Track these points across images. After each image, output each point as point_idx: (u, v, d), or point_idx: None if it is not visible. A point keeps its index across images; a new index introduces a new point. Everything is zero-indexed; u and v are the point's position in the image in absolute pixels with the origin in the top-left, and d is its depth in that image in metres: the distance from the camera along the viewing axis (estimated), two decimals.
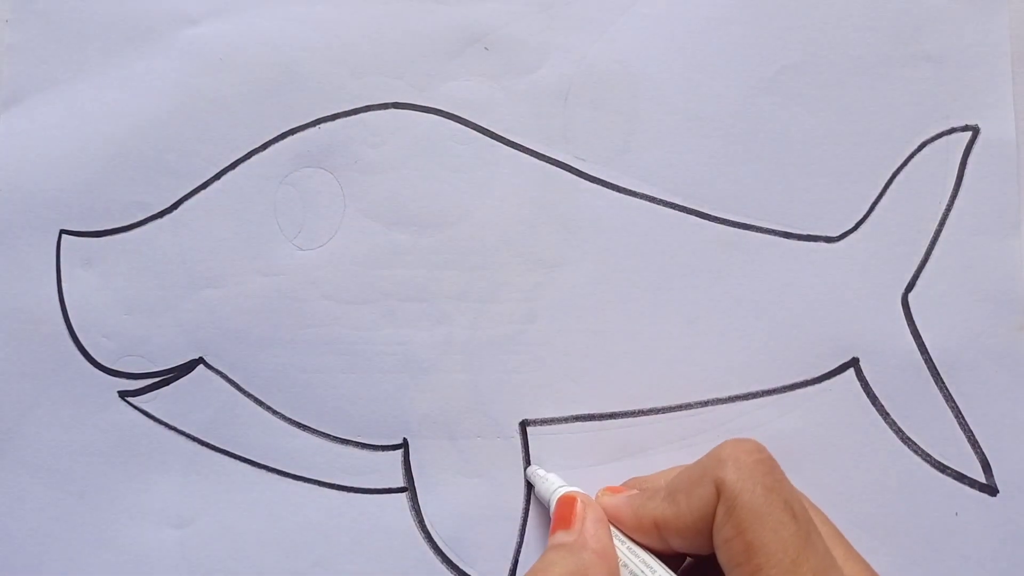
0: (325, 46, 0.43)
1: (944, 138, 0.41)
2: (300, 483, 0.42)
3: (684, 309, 0.41)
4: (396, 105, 0.43)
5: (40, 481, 0.42)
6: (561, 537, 0.36)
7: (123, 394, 0.42)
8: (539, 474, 0.40)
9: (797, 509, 0.31)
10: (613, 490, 0.38)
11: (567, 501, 0.37)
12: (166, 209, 0.43)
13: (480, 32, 0.43)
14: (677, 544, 0.34)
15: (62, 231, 0.44)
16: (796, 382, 0.41)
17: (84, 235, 0.44)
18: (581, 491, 0.38)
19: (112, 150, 0.44)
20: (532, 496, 0.41)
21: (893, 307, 0.41)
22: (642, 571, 0.34)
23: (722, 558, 0.32)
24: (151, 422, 0.42)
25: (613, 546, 0.35)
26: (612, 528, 0.36)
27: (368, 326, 0.42)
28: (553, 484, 0.39)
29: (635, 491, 0.36)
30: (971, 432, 0.40)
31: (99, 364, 0.43)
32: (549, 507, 0.38)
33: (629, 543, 0.35)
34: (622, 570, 0.34)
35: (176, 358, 0.43)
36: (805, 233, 0.41)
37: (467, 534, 0.41)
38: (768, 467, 0.32)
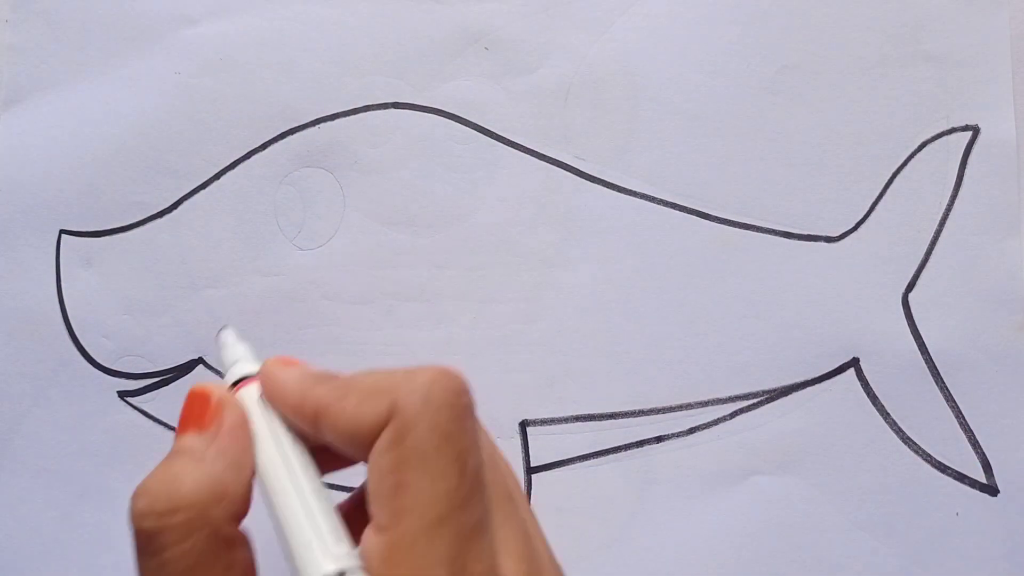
0: (324, 46, 0.43)
1: (944, 138, 0.41)
2: None
3: (684, 309, 0.41)
4: (396, 105, 0.43)
5: (40, 481, 0.42)
6: (191, 441, 0.29)
7: (123, 394, 0.42)
8: (227, 341, 0.33)
9: (472, 466, 0.28)
10: (287, 361, 0.31)
11: (200, 396, 0.30)
12: (166, 209, 0.43)
13: (480, 32, 0.43)
14: (331, 439, 0.29)
15: (62, 231, 0.44)
16: (796, 382, 0.41)
17: (84, 235, 0.44)
18: (250, 371, 0.32)
19: (112, 150, 0.44)
20: (532, 496, 0.41)
21: (894, 307, 0.41)
22: (277, 482, 0.28)
23: (371, 482, 0.28)
24: (151, 422, 0.42)
25: (250, 457, 0.29)
26: (266, 415, 0.30)
27: (368, 326, 0.42)
28: (234, 357, 0.32)
29: (310, 369, 0.31)
30: (971, 432, 0.40)
31: (99, 364, 0.43)
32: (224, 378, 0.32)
33: (278, 436, 0.30)
34: (257, 482, 0.29)
35: (176, 358, 0.43)
36: (805, 233, 0.41)
37: None
38: (458, 413, 0.28)
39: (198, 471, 0.28)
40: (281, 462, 0.29)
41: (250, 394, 0.31)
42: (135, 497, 0.28)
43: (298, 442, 0.30)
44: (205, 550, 0.27)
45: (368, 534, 0.27)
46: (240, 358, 0.32)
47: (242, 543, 0.28)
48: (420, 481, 0.27)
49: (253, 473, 0.29)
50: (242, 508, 0.29)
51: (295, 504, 0.28)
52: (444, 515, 0.27)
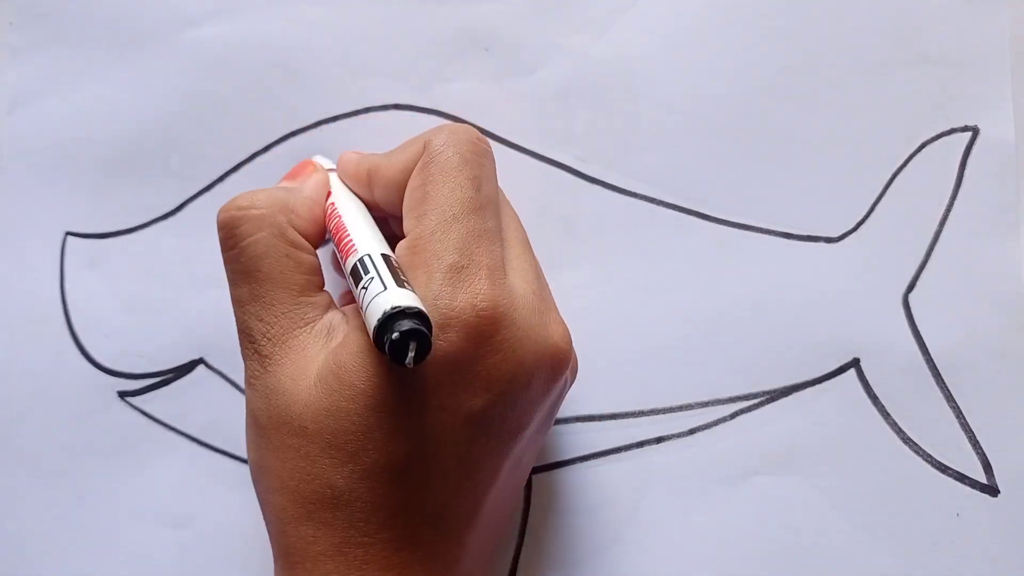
0: (326, 48, 0.44)
1: (944, 138, 0.41)
2: None
3: (684, 309, 0.41)
4: (397, 106, 0.43)
5: (40, 481, 0.42)
6: (281, 183, 0.38)
7: (123, 394, 0.43)
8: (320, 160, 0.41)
9: (486, 190, 0.34)
10: (357, 153, 0.39)
11: (303, 162, 0.39)
12: (170, 211, 0.44)
13: (481, 33, 0.43)
14: (381, 195, 0.37)
15: (67, 233, 0.44)
16: (797, 383, 0.41)
17: (89, 237, 0.44)
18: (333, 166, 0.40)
19: (116, 152, 0.44)
20: (532, 496, 0.40)
21: (894, 307, 0.41)
22: (348, 228, 0.35)
23: (405, 204, 0.34)
24: (151, 422, 0.42)
25: (324, 199, 0.37)
26: (344, 195, 0.38)
27: None
28: (319, 161, 0.41)
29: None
30: (972, 432, 0.40)
31: (99, 364, 0.43)
32: None
33: (351, 203, 0.37)
34: (331, 222, 0.36)
35: (177, 358, 0.43)
36: (805, 233, 0.41)
37: None
38: (476, 148, 0.35)
39: (274, 191, 0.36)
40: (348, 201, 0.37)
41: (332, 175, 0.39)
42: (222, 207, 0.35)
43: (361, 202, 0.38)
44: (274, 243, 0.34)
45: (400, 243, 0.34)
46: (326, 164, 0.40)
47: (309, 251, 0.35)
48: (441, 189, 0.33)
49: (321, 210, 0.37)
50: (305, 227, 0.35)
51: (353, 220, 0.35)
52: (458, 214, 0.33)
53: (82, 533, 0.42)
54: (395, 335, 0.28)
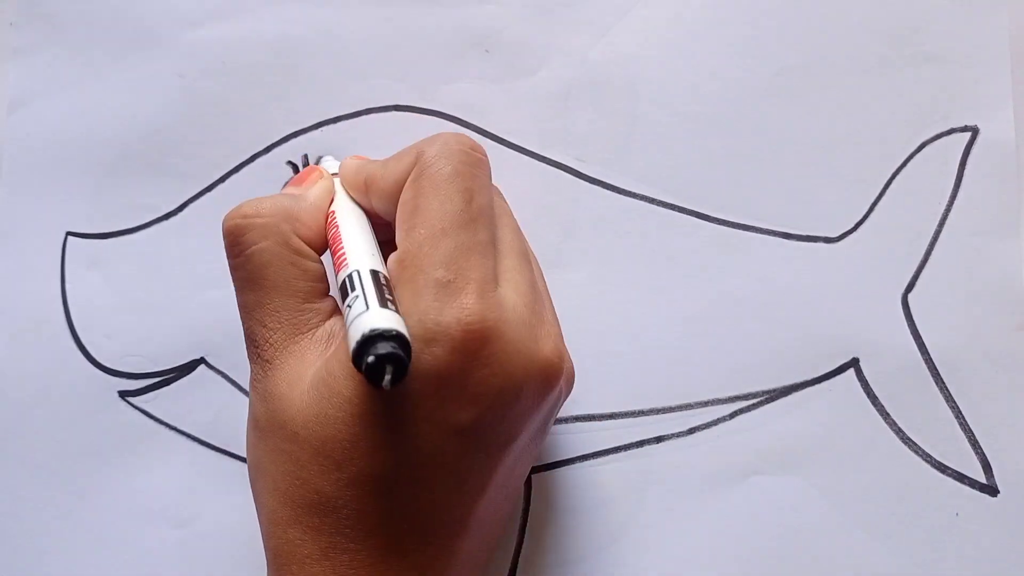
0: (326, 49, 0.44)
1: (944, 138, 0.41)
2: None
3: (684, 309, 0.41)
4: (397, 107, 0.43)
5: (40, 481, 0.43)
6: (288, 190, 0.38)
7: (123, 394, 0.43)
8: (327, 158, 0.42)
9: (479, 202, 0.34)
10: (360, 158, 0.39)
11: (310, 168, 0.40)
12: (171, 212, 0.44)
13: (481, 34, 0.43)
14: (378, 204, 0.37)
15: (68, 233, 0.44)
16: (796, 382, 0.41)
17: (90, 237, 0.44)
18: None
19: (117, 153, 0.44)
20: (532, 496, 0.40)
21: (893, 307, 0.41)
22: (343, 241, 0.35)
23: (397, 217, 0.34)
24: (151, 422, 0.42)
25: (327, 206, 0.37)
26: (345, 204, 0.38)
27: None
28: (331, 164, 0.41)
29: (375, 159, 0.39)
30: (971, 432, 0.40)
31: (100, 364, 0.43)
32: None
33: (350, 213, 0.37)
34: (330, 231, 0.37)
35: (177, 358, 0.43)
36: (805, 233, 0.41)
37: None
38: (469, 158, 0.34)
39: (279, 198, 0.36)
40: (347, 211, 0.37)
41: (337, 180, 0.39)
42: (227, 214, 0.35)
43: (361, 212, 0.38)
44: (278, 251, 0.34)
45: (390, 257, 0.34)
46: (333, 167, 0.40)
47: (313, 259, 0.35)
48: (431, 203, 0.33)
49: (325, 217, 0.37)
50: (309, 235, 0.36)
51: (348, 232, 0.35)
52: (447, 228, 0.33)
53: (82, 533, 0.42)
54: (370, 359, 0.29)
